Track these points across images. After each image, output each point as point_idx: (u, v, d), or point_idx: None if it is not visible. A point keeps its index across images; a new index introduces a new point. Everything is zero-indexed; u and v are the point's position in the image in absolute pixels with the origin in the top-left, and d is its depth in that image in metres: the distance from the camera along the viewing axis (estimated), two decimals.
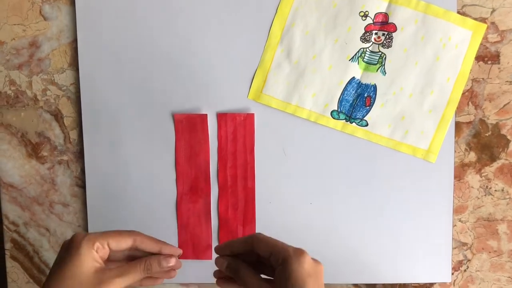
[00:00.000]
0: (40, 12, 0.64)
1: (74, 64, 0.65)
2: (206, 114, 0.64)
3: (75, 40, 0.64)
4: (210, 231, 0.65)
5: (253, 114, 0.64)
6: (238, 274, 0.48)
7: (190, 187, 0.65)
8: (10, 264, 0.69)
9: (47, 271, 0.68)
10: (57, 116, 0.66)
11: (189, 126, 0.64)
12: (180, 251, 0.50)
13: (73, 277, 0.44)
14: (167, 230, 0.66)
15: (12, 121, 0.66)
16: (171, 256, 0.49)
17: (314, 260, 0.46)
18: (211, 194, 0.65)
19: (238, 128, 0.64)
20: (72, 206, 0.67)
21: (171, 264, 0.49)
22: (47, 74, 0.65)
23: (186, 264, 0.65)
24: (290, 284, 0.43)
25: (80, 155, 0.66)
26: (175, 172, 0.65)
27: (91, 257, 0.45)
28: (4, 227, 0.68)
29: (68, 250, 0.45)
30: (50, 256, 0.68)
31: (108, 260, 0.48)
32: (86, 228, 0.67)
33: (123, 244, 0.47)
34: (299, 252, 0.45)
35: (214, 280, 0.66)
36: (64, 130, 0.66)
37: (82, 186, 0.66)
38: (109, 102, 0.65)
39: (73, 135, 0.66)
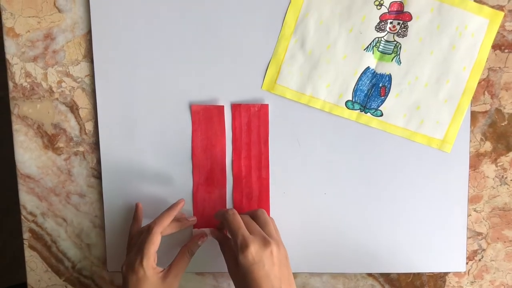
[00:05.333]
0: (55, 4, 0.65)
1: (89, 55, 0.65)
2: (223, 106, 0.64)
3: (89, 32, 0.65)
4: None
5: (267, 105, 0.64)
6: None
7: (206, 178, 0.66)
8: (28, 254, 0.70)
9: (65, 260, 0.69)
10: (73, 107, 0.66)
11: (206, 117, 0.64)
12: (194, 219, 0.65)
13: None
14: None
15: (28, 113, 0.67)
16: (202, 235, 0.63)
17: (264, 243, 0.54)
18: (226, 184, 0.66)
19: (253, 119, 0.64)
20: (88, 197, 0.68)
21: (205, 240, 0.63)
22: (62, 66, 0.66)
23: (201, 254, 0.66)
24: (239, 272, 0.54)
25: (95, 146, 0.67)
26: (191, 162, 0.65)
27: (155, 274, 0.57)
28: (22, 217, 0.69)
29: (138, 277, 0.56)
30: (67, 245, 0.69)
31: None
32: (102, 219, 0.67)
33: (159, 242, 0.58)
34: (244, 246, 0.53)
35: (221, 269, 0.67)
36: (80, 122, 0.67)
37: (98, 177, 0.67)
38: (124, 93, 0.65)
39: (89, 126, 0.67)
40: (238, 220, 0.56)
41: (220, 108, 0.64)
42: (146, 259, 0.56)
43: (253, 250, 0.53)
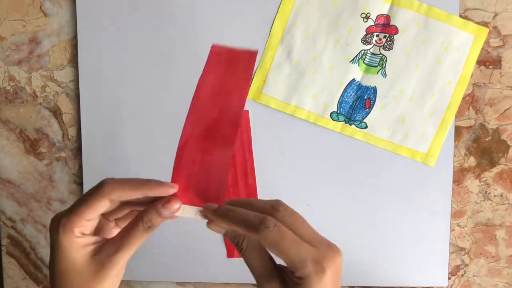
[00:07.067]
0: (41, 8, 0.64)
1: (74, 61, 0.65)
2: (257, 51, 0.47)
3: (75, 37, 0.64)
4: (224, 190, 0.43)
5: (247, 111, 0.63)
6: (241, 250, 0.40)
7: (206, 129, 0.45)
8: (6, 260, 0.68)
9: (44, 268, 0.68)
10: (56, 112, 0.66)
11: (229, 61, 0.47)
12: (174, 187, 0.41)
13: (70, 271, 0.39)
14: None
15: (11, 117, 0.66)
16: (169, 201, 0.40)
17: (336, 253, 0.40)
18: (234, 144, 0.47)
19: None
20: (69, 203, 0.67)
21: (175, 209, 0.40)
22: (46, 71, 0.65)
23: (182, 261, 0.65)
24: None
25: (78, 152, 0.66)
26: (189, 107, 0.46)
27: (77, 246, 0.38)
28: (1, 223, 0.68)
29: (52, 247, 0.39)
30: (46, 252, 0.68)
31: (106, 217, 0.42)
32: None
33: (101, 209, 0.39)
34: (321, 272, 0.37)
35: (210, 279, 0.67)
36: (63, 127, 0.66)
37: (80, 183, 0.66)
38: (109, 99, 0.64)
39: (72, 132, 0.66)
40: (288, 235, 0.38)
41: (253, 54, 0.47)
42: (70, 217, 0.38)
43: (330, 274, 0.38)
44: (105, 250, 0.39)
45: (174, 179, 0.43)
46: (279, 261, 0.39)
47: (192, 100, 0.46)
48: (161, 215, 0.39)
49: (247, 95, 0.47)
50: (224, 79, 0.46)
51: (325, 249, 0.39)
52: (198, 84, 0.46)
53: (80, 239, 0.39)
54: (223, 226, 0.40)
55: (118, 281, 0.40)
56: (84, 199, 0.38)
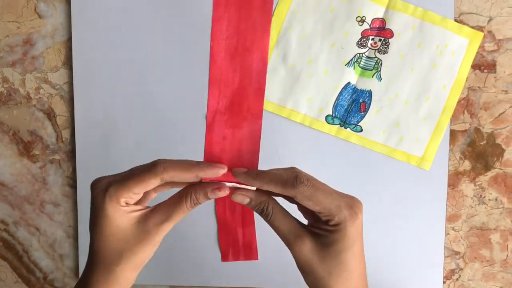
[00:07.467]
0: (35, 9, 0.64)
1: (68, 63, 0.64)
2: None
3: (69, 39, 0.64)
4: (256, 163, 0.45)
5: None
6: (267, 216, 0.43)
7: (231, 102, 0.42)
8: None
9: (36, 271, 0.68)
10: (50, 114, 0.65)
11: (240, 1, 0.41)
12: (224, 169, 0.41)
13: (114, 235, 0.40)
14: None
15: (4, 119, 0.66)
16: (219, 187, 0.41)
17: (360, 204, 0.43)
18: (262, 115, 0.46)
19: None
20: (63, 206, 0.66)
21: (221, 195, 0.42)
22: (40, 72, 0.65)
23: (176, 266, 0.65)
24: (342, 246, 0.41)
25: (72, 154, 0.65)
26: (208, 76, 0.42)
27: (122, 213, 0.40)
28: None
29: (96, 211, 0.40)
30: (39, 255, 0.67)
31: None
32: (76, 229, 0.66)
33: (151, 186, 0.40)
34: (355, 216, 0.41)
35: (204, 283, 0.66)
36: (57, 129, 0.66)
37: (74, 186, 0.66)
38: (103, 102, 0.64)
39: (66, 134, 0.65)
40: (321, 187, 0.41)
41: None
42: (119, 188, 0.40)
43: (360, 217, 0.42)
44: (151, 219, 0.41)
45: (206, 156, 0.42)
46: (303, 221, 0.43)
47: (210, 67, 0.42)
48: (209, 197, 0.42)
49: (267, 51, 0.42)
50: (239, 29, 0.41)
51: (352, 198, 0.42)
52: (211, 44, 0.41)
53: (124, 207, 0.40)
54: (247, 195, 0.42)
55: (156, 246, 0.42)
56: (135, 174, 0.40)
